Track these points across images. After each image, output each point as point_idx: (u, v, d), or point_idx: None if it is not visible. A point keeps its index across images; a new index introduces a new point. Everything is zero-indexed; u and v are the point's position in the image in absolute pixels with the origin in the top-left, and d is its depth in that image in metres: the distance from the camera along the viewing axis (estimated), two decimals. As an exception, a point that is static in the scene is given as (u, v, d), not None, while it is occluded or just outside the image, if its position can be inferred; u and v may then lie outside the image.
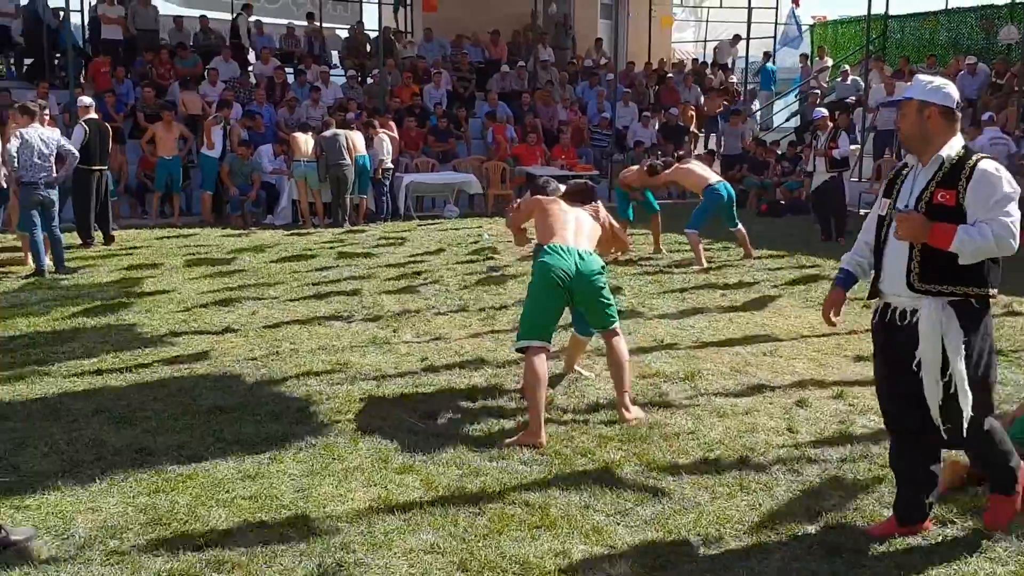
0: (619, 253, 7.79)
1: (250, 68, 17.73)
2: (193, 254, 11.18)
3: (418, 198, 15.76)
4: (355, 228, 13.86)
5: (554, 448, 4.90)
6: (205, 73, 16.55)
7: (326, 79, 17.50)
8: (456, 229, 13.70)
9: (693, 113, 19.94)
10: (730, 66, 23.29)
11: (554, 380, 6.02)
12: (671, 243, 11.95)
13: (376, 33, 18.98)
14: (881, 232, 3.85)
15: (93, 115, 11.49)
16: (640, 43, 22.93)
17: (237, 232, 13.17)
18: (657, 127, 18.70)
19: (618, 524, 4.03)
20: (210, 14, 19.14)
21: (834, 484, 4.44)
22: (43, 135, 9.79)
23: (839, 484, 4.44)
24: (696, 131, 19.66)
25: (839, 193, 12.98)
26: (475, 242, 12.33)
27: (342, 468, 4.61)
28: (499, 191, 16.00)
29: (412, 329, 7.57)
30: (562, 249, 5.22)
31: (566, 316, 5.74)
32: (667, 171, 11.19)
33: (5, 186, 9.64)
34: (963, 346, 3.62)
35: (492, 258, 11.08)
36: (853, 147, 15.49)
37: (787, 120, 23.52)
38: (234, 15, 18.66)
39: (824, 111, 13.59)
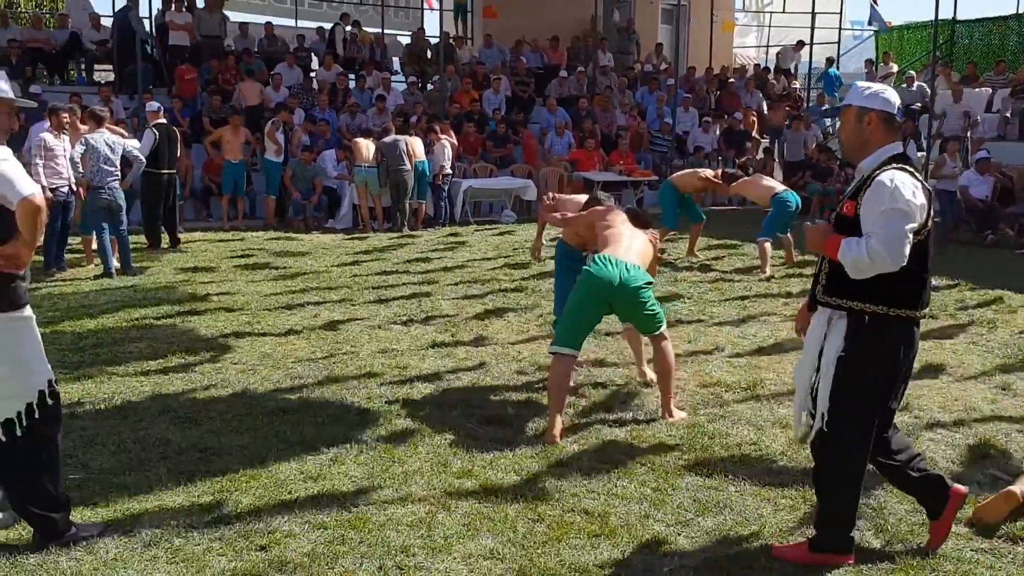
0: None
1: (312, 74, 17.97)
2: (256, 257, 11.36)
3: (475, 203, 15.84)
4: (413, 232, 13.96)
5: (613, 457, 4.88)
6: (269, 79, 16.81)
7: (387, 85, 17.68)
8: (513, 234, 13.74)
9: (755, 119, 19.73)
10: (793, 71, 23.01)
11: (618, 389, 6.06)
12: (720, 249, 11.83)
13: (436, 39, 19.12)
14: None
15: (162, 120, 11.73)
16: (701, 48, 22.78)
17: (299, 235, 13.36)
18: (719, 132, 18.55)
19: (679, 535, 3.99)
20: (275, 20, 19.51)
21: (899, 497, 4.33)
22: (109, 140, 10.02)
23: (904, 497, 4.33)
24: (758, 137, 19.45)
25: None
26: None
27: (402, 471, 4.64)
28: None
29: (470, 333, 7.60)
30: (610, 260, 5.38)
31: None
32: (735, 183, 11.16)
33: (75, 189, 9.90)
34: (836, 361, 3.57)
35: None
36: (920, 154, 15.21)
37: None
38: (331, 25, 19.47)
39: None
